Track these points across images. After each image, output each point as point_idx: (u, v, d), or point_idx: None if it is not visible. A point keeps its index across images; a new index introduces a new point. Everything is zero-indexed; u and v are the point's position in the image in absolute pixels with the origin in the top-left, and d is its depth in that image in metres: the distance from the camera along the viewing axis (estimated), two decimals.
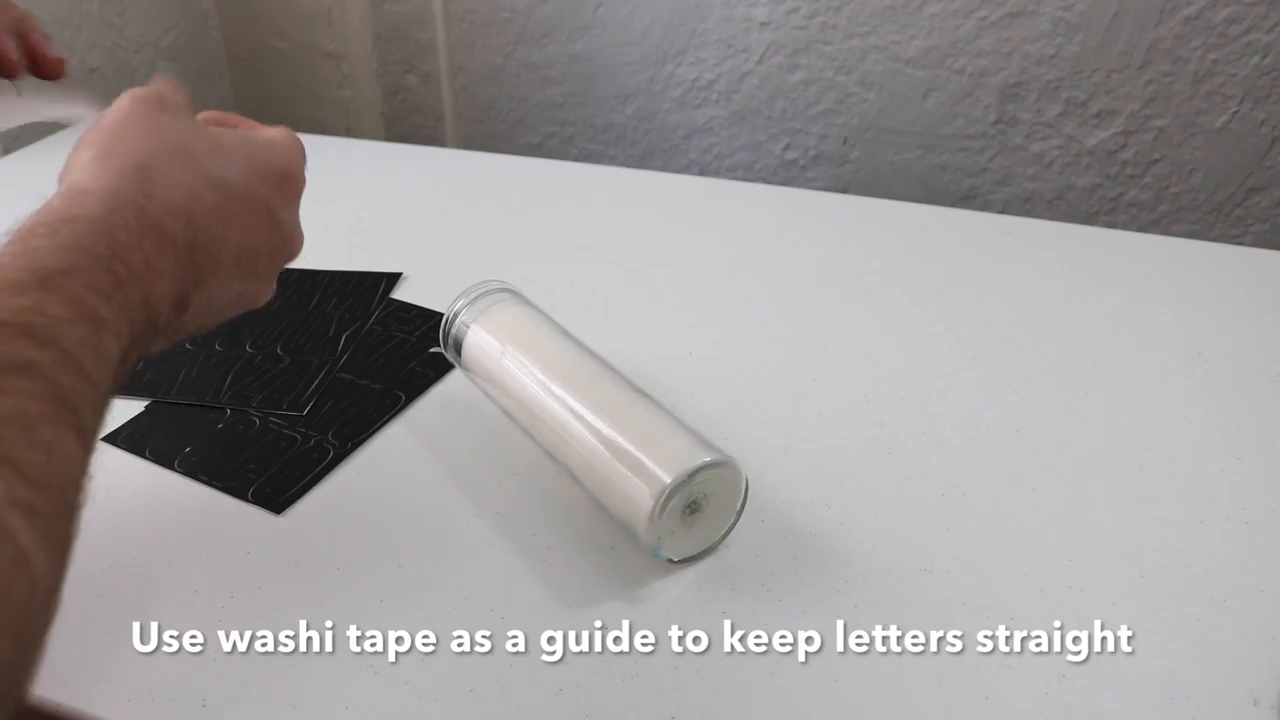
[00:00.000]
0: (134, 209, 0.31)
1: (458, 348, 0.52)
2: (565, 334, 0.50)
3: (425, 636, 0.40)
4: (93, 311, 0.28)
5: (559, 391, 0.46)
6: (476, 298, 0.52)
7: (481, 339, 0.51)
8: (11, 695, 0.22)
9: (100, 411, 0.28)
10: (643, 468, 0.42)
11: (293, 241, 0.40)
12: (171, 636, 0.40)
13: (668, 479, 0.41)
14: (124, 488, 0.49)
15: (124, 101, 0.35)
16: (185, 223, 0.33)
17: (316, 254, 0.70)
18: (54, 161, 0.62)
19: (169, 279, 0.32)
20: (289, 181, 0.39)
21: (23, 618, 0.22)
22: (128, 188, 0.32)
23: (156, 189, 0.32)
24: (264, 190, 0.37)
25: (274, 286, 0.40)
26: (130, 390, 0.55)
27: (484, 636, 0.40)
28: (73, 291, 0.28)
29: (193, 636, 0.40)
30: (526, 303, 0.53)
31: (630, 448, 0.43)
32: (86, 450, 0.27)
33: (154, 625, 0.41)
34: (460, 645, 0.39)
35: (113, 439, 0.52)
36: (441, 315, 0.53)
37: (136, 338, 0.31)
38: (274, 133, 0.40)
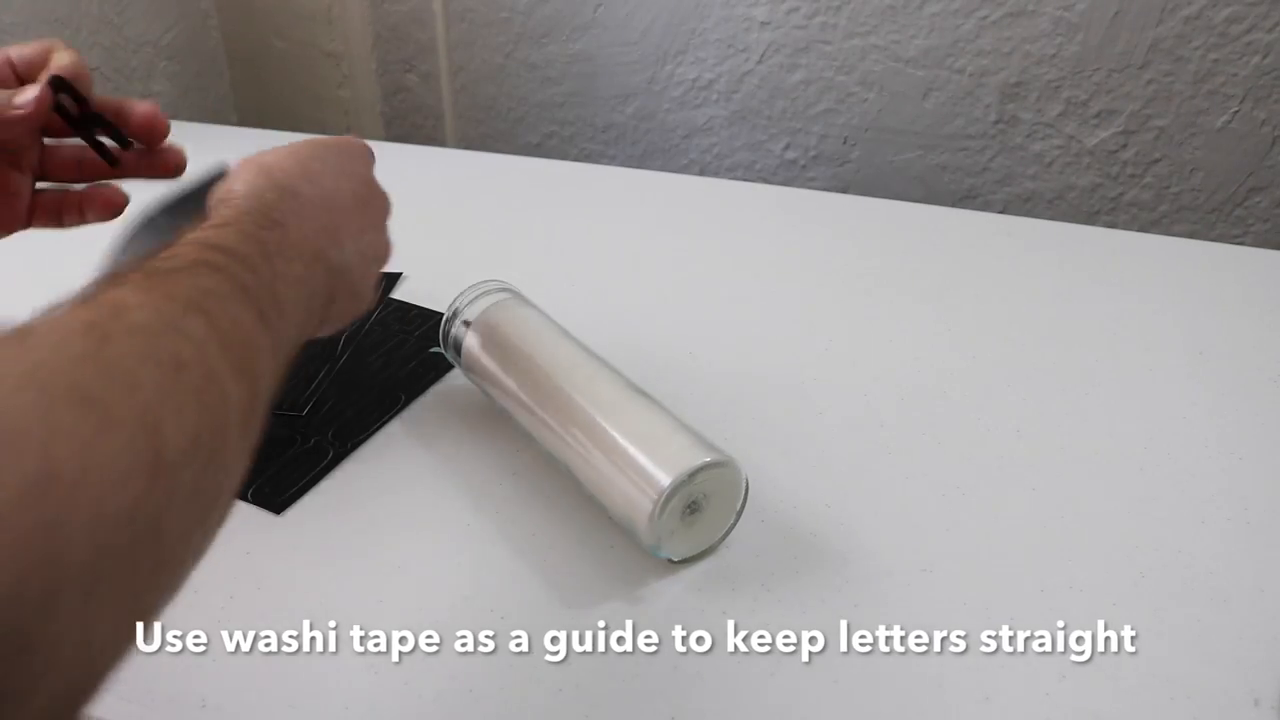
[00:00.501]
0: (268, 184, 0.38)
1: (457, 348, 0.52)
2: (565, 334, 0.50)
3: (426, 636, 0.40)
4: (259, 239, 0.34)
5: (559, 391, 0.46)
6: (476, 298, 0.52)
7: (481, 339, 0.51)
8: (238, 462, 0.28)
9: (274, 309, 0.32)
10: (642, 468, 0.42)
11: (380, 191, 0.47)
12: (173, 637, 0.40)
13: (667, 479, 0.41)
14: None
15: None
16: (308, 181, 0.40)
17: None
18: None
19: (312, 222, 0.38)
20: (359, 148, 0.46)
21: (219, 419, 0.27)
22: (257, 180, 0.38)
23: (277, 172, 0.39)
24: (345, 157, 0.44)
25: (388, 242, 0.47)
26: None
27: (485, 636, 0.40)
28: (244, 227, 0.34)
29: (194, 637, 0.40)
30: (526, 302, 0.53)
31: (630, 448, 0.43)
32: (265, 330, 0.31)
33: (154, 625, 0.41)
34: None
35: None
36: (441, 315, 0.53)
37: (305, 263, 0.36)
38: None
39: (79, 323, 0.24)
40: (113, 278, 0.28)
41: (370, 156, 0.47)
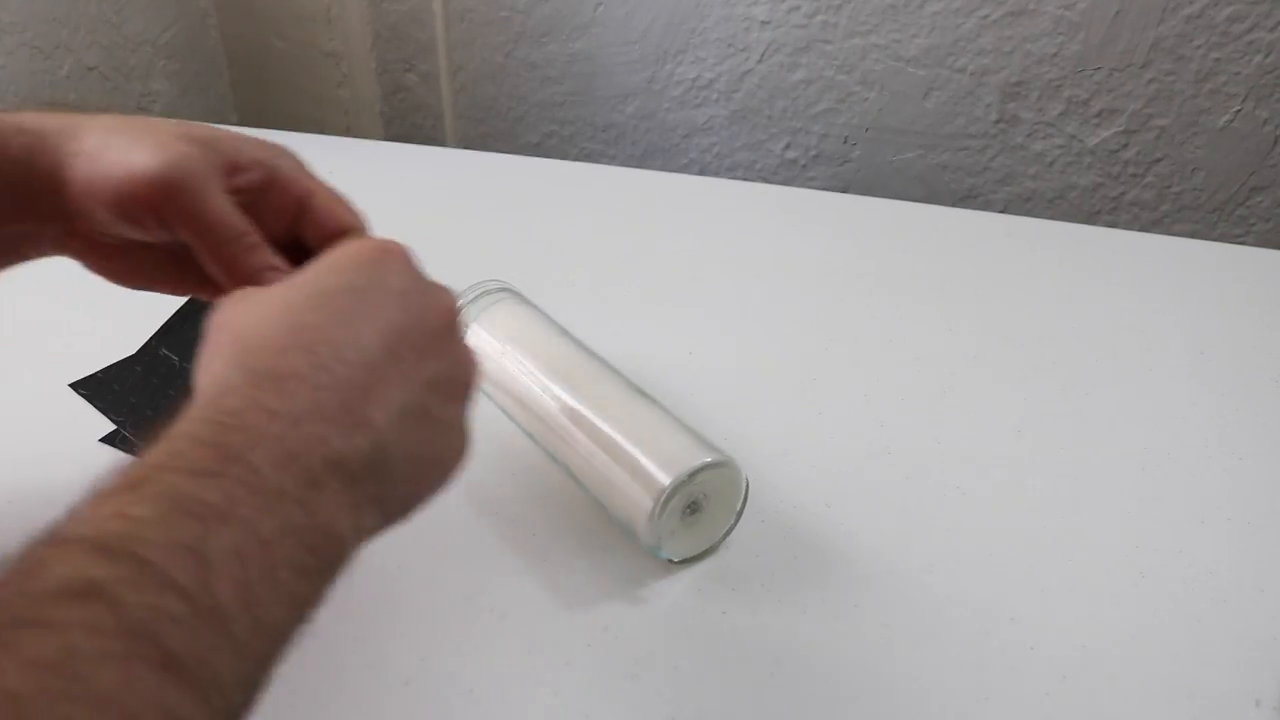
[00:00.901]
0: (239, 373, 0.27)
1: None
2: (565, 333, 0.50)
3: (426, 637, 0.40)
4: (194, 501, 0.23)
5: (559, 391, 0.46)
6: (476, 297, 0.52)
7: (481, 339, 0.51)
8: None
9: (206, 627, 0.21)
10: (642, 468, 0.41)
11: (429, 295, 0.32)
12: None
13: (667, 480, 0.40)
14: None
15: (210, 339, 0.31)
16: (300, 350, 0.27)
17: None
18: None
19: (313, 414, 0.26)
20: (379, 253, 0.32)
21: None
22: (224, 369, 0.27)
23: (258, 345, 0.28)
24: (362, 278, 0.31)
25: (470, 367, 0.33)
26: (120, 400, 0.55)
27: (485, 637, 0.40)
28: (167, 484, 0.23)
29: None
30: (526, 302, 0.53)
31: (630, 448, 0.42)
32: (178, 682, 0.20)
33: None
34: (461, 645, 0.39)
35: (112, 439, 0.52)
36: None
37: (305, 498, 0.25)
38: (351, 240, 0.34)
39: None
40: None
41: (411, 260, 0.33)
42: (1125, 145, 0.95)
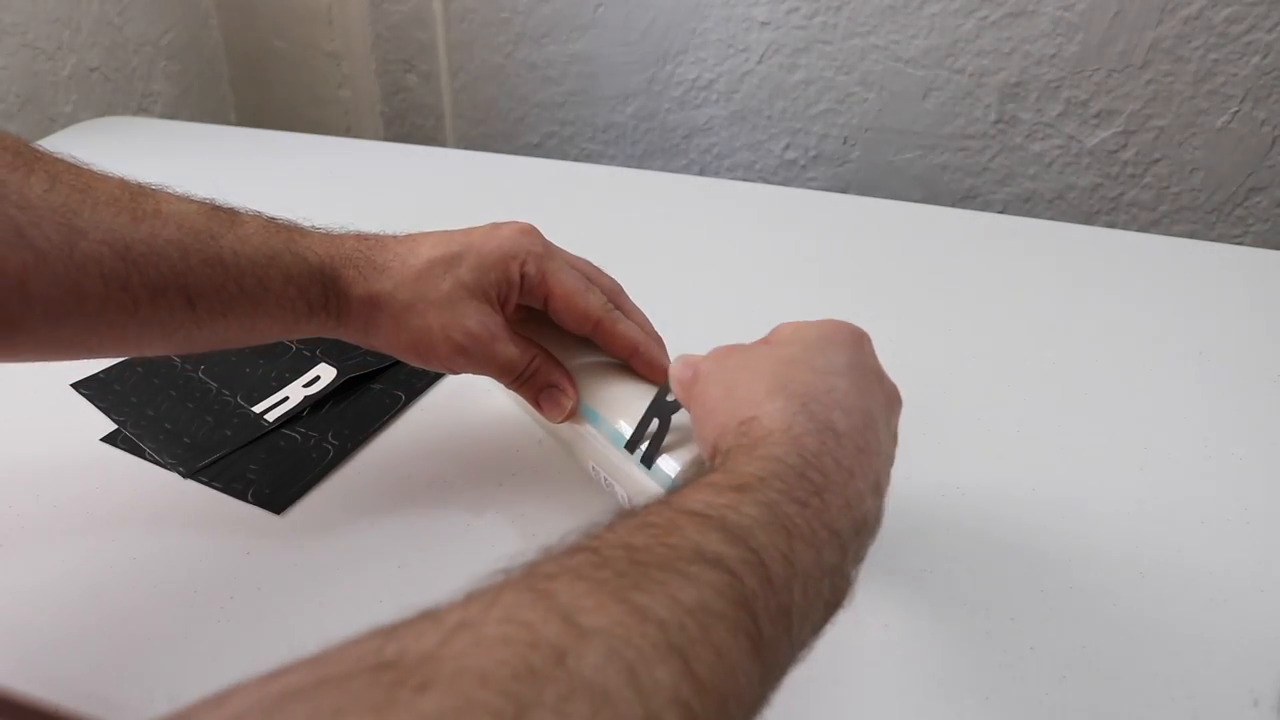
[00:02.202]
0: (805, 417, 0.31)
1: None
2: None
3: None
4: (786, 518, 0.27)
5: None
6: None
7: None
8: None
9: (781, 624, 0.25)
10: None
11: (892, 386, 0.38)
12: (172, 637, 0.40)
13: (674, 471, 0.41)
14: (124, 488, 0.49)
15: (704, 368, 0.37)
16: (842, 414, 0.32)
17: None
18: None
19: (859, 472, 0.31)
20: (856, 335, 0.38)
21: None
22: (789, 405, 0.32)
23: (806, 398, 0.32)
24: (856, 357, 0.36)
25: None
26: (125, 399, 0.56)
27: None
28: (768, 496, 0.27)
29: (194, 637, 0.40)
30: None
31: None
32: (760, 662, 0.24)
33: (154, 625, 0.41)
34: None
35: (112, 439, 0.52)
36: None
37: (846, 544, 0.29)
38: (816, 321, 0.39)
39: (504, 663, 0.19)
40: (578, 550, 0.24)
41: (871, 343, 0.38)
42: (1124, 146, 0.96)
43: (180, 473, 0.49)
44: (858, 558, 0.31)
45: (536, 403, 0.45)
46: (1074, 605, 0.41)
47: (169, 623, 0.41)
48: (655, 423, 0.41)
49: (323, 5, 1.17)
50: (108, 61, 1.07)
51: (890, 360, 0.58)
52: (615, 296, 0.47)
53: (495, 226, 0.45)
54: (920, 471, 0.49)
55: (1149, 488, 0.48)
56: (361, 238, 0.44)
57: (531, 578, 0.22)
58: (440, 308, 0.42)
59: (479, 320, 0.42)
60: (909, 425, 0.53)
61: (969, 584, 0.42)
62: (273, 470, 0.49)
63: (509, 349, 0.43)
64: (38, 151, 0.37)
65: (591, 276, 0.46)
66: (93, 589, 0.42)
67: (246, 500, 0.47)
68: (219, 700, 0.18)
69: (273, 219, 0.43)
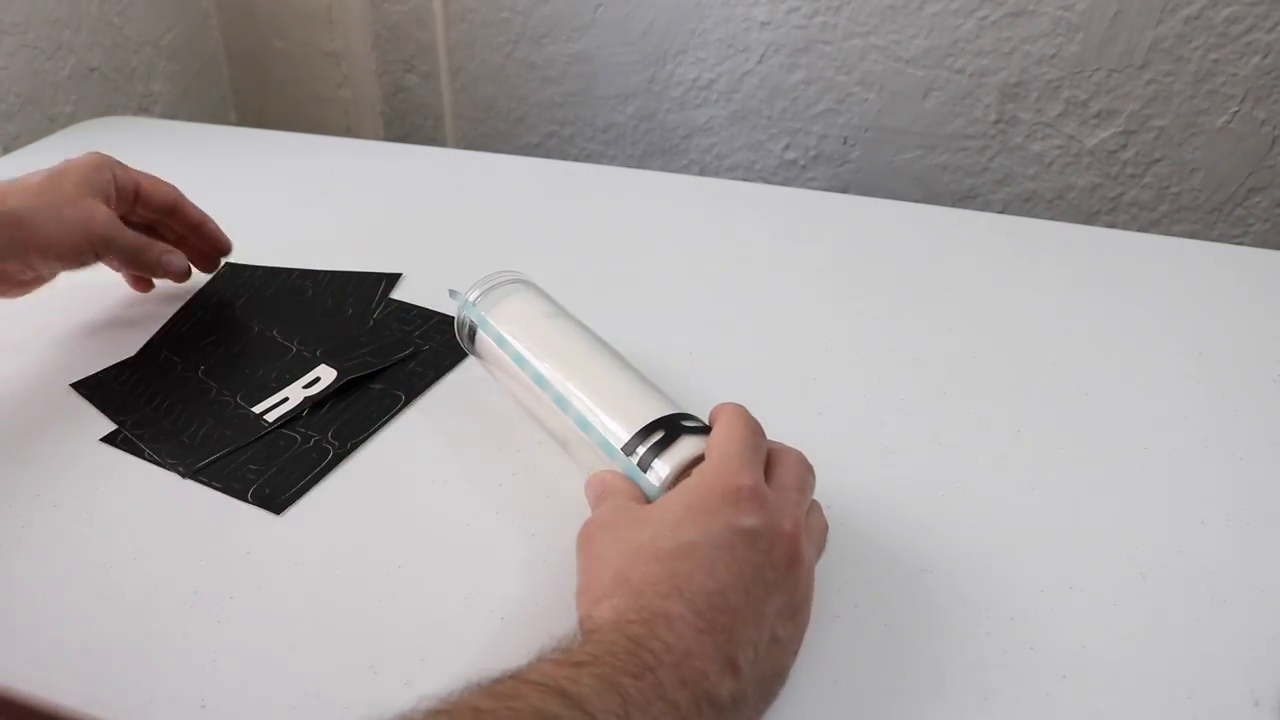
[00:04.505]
0: (634, 610, 0.33)
1: (472, 335, 0.51)
2: (568, 319, 0.50)
3: (426, 637, 0.40)
4: (621, 688, 0.29)
5: (548, 369, 0.46)
6: (491, 288, 0.51)
7: (501, 322, 0.50)
8: None
9: None
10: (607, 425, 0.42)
11: (778, 531, 0.36)
12: (172, 637, 0.40)
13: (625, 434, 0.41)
14: (124, 488, 0.49)
15: (580, 542, 0.39)
16: (679, 599, 0.33)
17: (317, 254, 0.70)
18: (52, 161, 0.62)
19: (698, 653, 0.32)
20: (734, 492, 0.36)
21: None
22: (621, 601, 0.34)
23: (642, 588, 0.34)
24: (721, 522, 0.35)
25: (808, 581, 0.37)
26: (125, 399, 0.56)
27: (484, 637, 0.40)
28: (603, 671, 0.30)
29: (194, 637, 0.40)
30: (543, 295, 0.52)
31: (597, 411, 0.43)
32: None
33: (154, 625, 0.41)
34: (461, 647, 0.39)
35: (112, 439, 0.52)
36: (440, 315, 0.53)
37: (690, 717, 0.31)
38: (704, 464, 0.38)
39: None
40: (434, 714, 0.27)
41: (759, 493, 0.36)
42: (1124, 146, 0.96)
43: (179, 472, 0.49)
44: None
45: (158, 267, 0.60)
46: (1074, 605, 0.41)
47: (169, 623, 0.41)
48: (660, 433, 0.41)
49: (323, 5, 1.17)
50: (108, 61, 1.07)
51: (890, 360, 0.58)
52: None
53: (73, 159, 0.58)
54: (920, 471, 0.49)
55: (1149, 488, 0.48)
56: None
57: None
58: (74, 204, 0.55)
59: (106, 212, 0.56)
60: (909, 425, 0.53)
61: (969, 584, 0.42)
62: (272, 470, 0.49)
63: (129, 233, 0.58)
64: None
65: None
66: (93, 589, 0.42)
67: (246, 500, 0.47)
68: None
69: None
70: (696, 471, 0.38)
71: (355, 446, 0.51)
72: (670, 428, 0.41)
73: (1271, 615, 0.41)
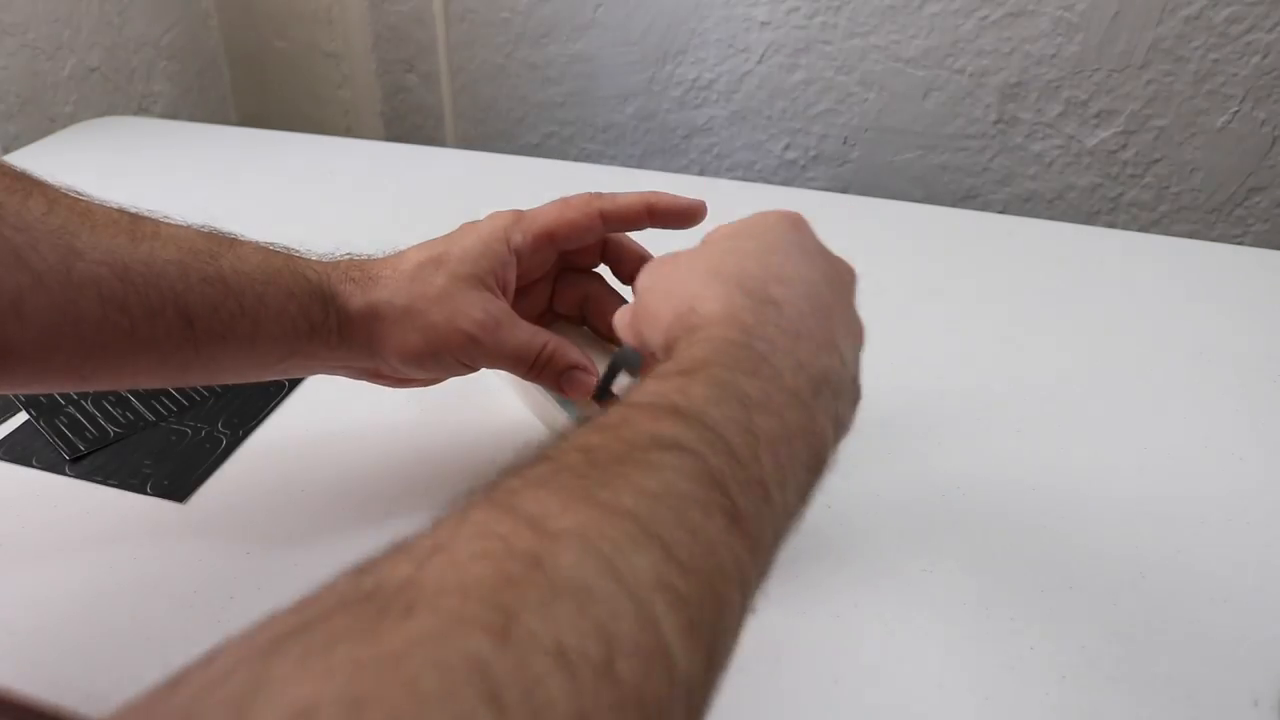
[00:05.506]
0: (740, 294, 0.31)
1: None
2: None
3: None
4: (738, 390, 0.27)
5: None
6: None
7: None
8: None
9: (756, 494, 0.25)
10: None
11: (839, 263, 0.37)
12: (172, 637, 0.40)
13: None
14: (124, 488, 0.49)
15: (641, 279, 0.36)
16: (779, 284, 0.32)
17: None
18: (52, 161, 0.62)
19: (807, 333, 0.31)
20: (791, 218, 0.38)
21: (658, 716, 0.19)
22: (724, 292, 0.32)
23: (742, 278, 0.32)
24: (793, 238, 0.36)
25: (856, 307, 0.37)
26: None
27: None
28: (716, 373, 0.27)
29: (195, 637, 0.40)
30: None
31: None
32: (740, 535, 0.24)
33: (154, 625, 0.41)
34: None
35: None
36: None
37: (808, 403, 0.29)
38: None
39: (483, 577, 0.19)
40: (538, 461, 0.24)
41: (808, 224, 0.38)
42: (1124, 146, 0.96)
43: (65, 458, 0.50)
44: (831, 417, 0.30)
45: (559, 386, 0.43)
46: (1074, 605, 0.41)
47: (169, 623, 0.41)
48: (622, 376, 0.40)
49: (323, 5, 1.17)
50: (108, 61, 1.07)
51: (890, 360, 0.58)
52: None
53: (470, 224, 0.45)
54: (920, 471, 0.49)
55: (1149, 488, 0.48)
56: (353, 259, 0.44)
57: (495, 495, 0.22)
58: (440, 303, 0.41)
59: (483, 307, 0.41)
60: (910, 425, 0.53)
61: (969, 584, 0.42)
62: (169, 463, 0.50)
63: (519, 332, 0.42)
64: (35, 178, 0.36)
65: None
66: (93, 589, 0.42)
67: (146, 494, 0.48)
68: (206, 660, 0.18)
69: (270, 244, 0.42)
70: (736, 222, 0.37)
71: (246, 434, 0.52)
72: (621, 360, 0.40)
73: (1271, 615, 0.41)
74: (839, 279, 0.36)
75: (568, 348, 0.43)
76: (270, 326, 0.39)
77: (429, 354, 0.41)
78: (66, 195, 0.36)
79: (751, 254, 0.34)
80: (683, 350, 0.29)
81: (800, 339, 0.30)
